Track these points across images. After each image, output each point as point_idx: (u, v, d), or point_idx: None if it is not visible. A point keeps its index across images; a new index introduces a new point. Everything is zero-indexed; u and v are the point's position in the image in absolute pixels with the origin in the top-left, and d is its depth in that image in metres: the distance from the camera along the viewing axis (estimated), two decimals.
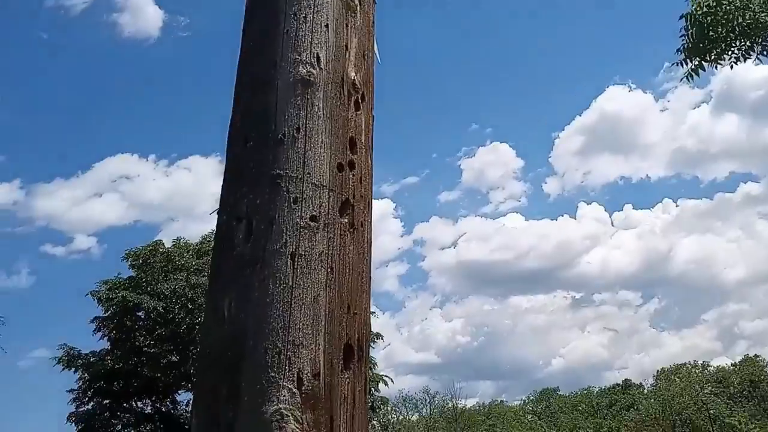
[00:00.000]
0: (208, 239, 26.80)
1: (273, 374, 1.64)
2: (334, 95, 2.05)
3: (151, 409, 24.51)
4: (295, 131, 1.93)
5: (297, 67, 2.01)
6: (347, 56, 2.12)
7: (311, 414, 1.64)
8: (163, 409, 24.72)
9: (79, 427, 23.40)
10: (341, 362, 1.76)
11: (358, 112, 2.11)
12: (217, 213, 1.97)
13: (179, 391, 24.15)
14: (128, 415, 23.89)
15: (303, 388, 1.66)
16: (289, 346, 1.67)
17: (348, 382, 1.76)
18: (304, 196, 1.86)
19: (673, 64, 8.50)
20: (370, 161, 2.10)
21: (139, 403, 24.42)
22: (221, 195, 2.00)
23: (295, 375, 1.65)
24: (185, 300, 22.93)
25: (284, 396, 1.63)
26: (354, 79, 2.11)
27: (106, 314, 24.11)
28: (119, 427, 23.45)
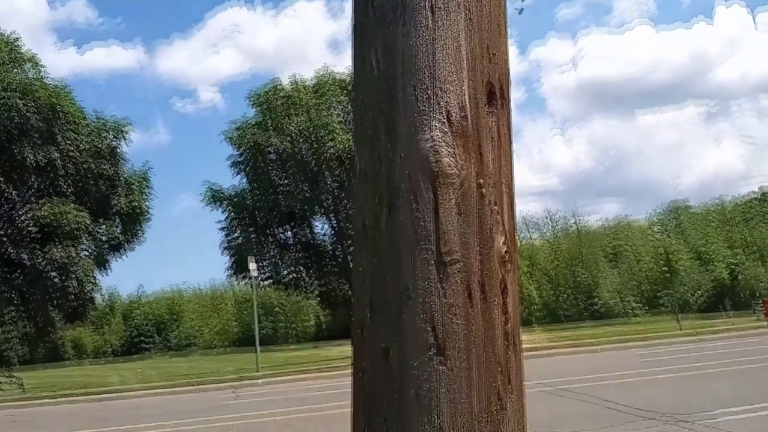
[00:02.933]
0: (323, 76, 27.14)
1: (424, 108, 1.80)
2: None
3: (292, 237, 26.88)
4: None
5: None
6: None
7: (461, 145, 1.80)
8: (302, 236, 26.99)
9: (233, 256, 26.27)
10: (486, 102, 1.88)
11: None
12: None
13: (314, 218, 26.05)
14: (272, 242, 26.35)
15: (452, 122, 1.81)
16: (436, 86, 1.81)
17: (494, 120, 1.89)
18: None
19: None
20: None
21: (280, 232, 26.79)
22: None
23: (444, 111, 1.80)
24: (309, 136, 23.92)
25: (436, 128, 1.80)
26: None
27: (240, 155, 25.85)
28: (267, 253, 26.03)
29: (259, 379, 21.64)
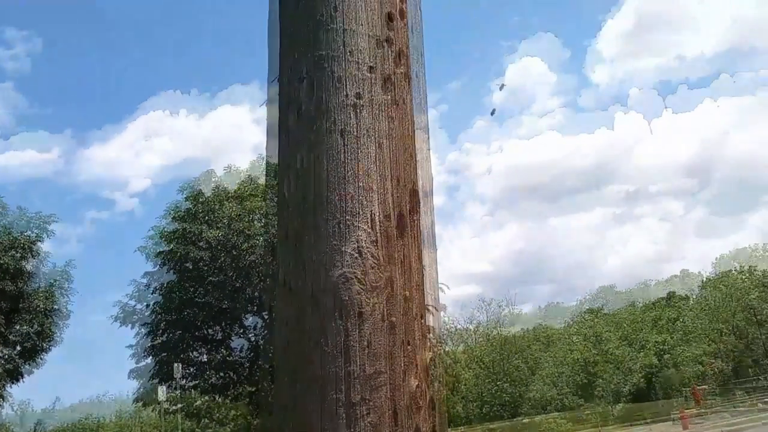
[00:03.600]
0: (256, 163, 27.33)
1: (348, 217, 1.80)
2: None
3: (222, 335, 25.85)
4: (332, 10, 1.96)
5: None
6: None
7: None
8: (233, 334, 26.05)
9: (157, 359, 24.90)
10: (408, 206, 1.90)
11: None
12: (278, 79, 2.05)
13: (246, 316, 25.20)
14: (201, 342, 25.26)
15: (362, 252, 1.78)
16: (360, 191, 1.83)
17: (404, 248, 1.87)
18: (348, 74, 1.92)
19: None
20: (406, 37, 2.11)
21: (210, 331, 25.75)
22: (281, 58, 2.06)
23: (368, 215, 1.80)
24: (242, 227, 23.67)
25: (347, 259, 1.76)
26: None
27: (170, 248, 25.14)
28: (194, 354, 24.86)
29: None
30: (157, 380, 26.43)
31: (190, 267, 25.34)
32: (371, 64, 1.95)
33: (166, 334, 25.96)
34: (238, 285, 25.02)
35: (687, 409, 30.44)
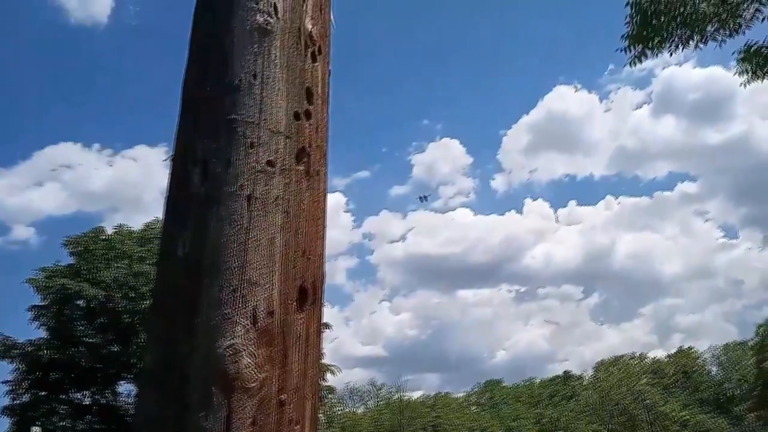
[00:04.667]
0: (151, 227, 26.14)
1: (228, 311, 1.65)
2: (291, 45, 2.06)
3: (90, 401, 23.85)
4: (252, 77, 1.94)
5: (254, 15, 2.01)
6: (304, 8, 2.13)
7: (265, 349, 1.66)
8: (103, 401, 24.06)
9: (14, 420, 22.60)
10: (296, 303, 1.78)
11: (315, 64, 2.13)
12: (172, 157, 1.96)
13: (120, 382, 23.44)
14: (66, 406, 23.17)
15: (258, 324, 1.67)
16: (244, 285, 1.69)
17: (302, 322, 1.79)
18: (261, 141, 1.87)
19: (617, 50, 8.86)
20: (326, 113, 2.12)
21: (77, 395, 23.73)
22: (176, 138, 1.99)
23: (250, 312, 1.67)
24: (127, 288, 22.33)
25: (239, 332, 1.64)
26: (311, 31, 2.13)
27: (45, 302, 23.32)
28: (56, 419, 22.72)
29: None
30: None
31: (82, 305, 23.52)
32: (287, 134, 1.94)
33: (28, 394, 23.71)
34: (115, 349, 23.43)
35: None
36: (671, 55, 8.90)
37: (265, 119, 1.91)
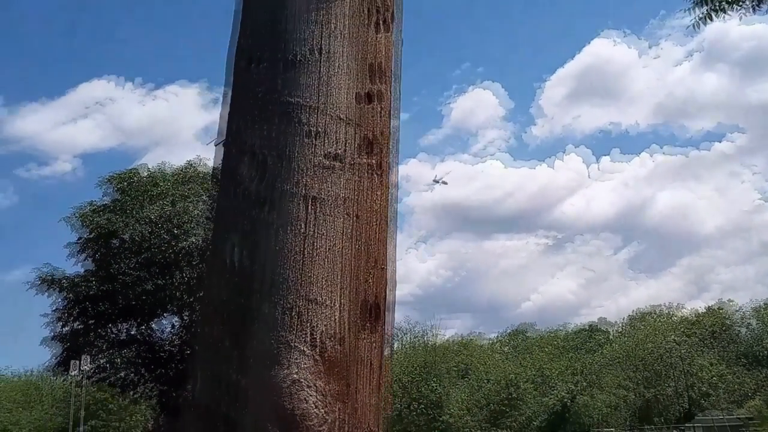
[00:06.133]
0: (193, 164, 26.30)
1: (284, 334, 1.43)
2: (357, 13, 1.76)
3: (135, 332, 24.60)
4: (311, 52, 1.65)
5: None
6: None
7: (334, 384, 1.43)
8: (146, 333, 24.79)
9: (65, 346, 23.49)
10: (367, 322, 1.55)
11: (381, 34, 1.82)
12: (223, 144, 1.71)
13: (163, 315, 24.09)
14: (111, 337, 23.97)
15: (323, 352, 1.44)
16: (303, 303, 1.45)
17: (373, 346, 1.55)
18: (323, 129, 1.60)
19: (680, 10, 8.16)
20: (397, 93, 1.83)
21: (122, 326, 24.48)
22: (227, 124, 1.73)
23: (310, 336, 1.44)
24: (170, 225, 22.66)
25: (299, 360, 1.42)
26: None
27: (90, 236, 23.85)
28: (102, 348, 23.53)
29: None
30: (61, 370, 25.02)
31: (122, 243, 24.02)
32: (353, 121, 1.66)
33: (73, 325, 24.57)
34: (159, 282, 23.94)
35: None
36: (741, 19, 8.15)
37: (327, 103, 1.63)
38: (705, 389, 59.08)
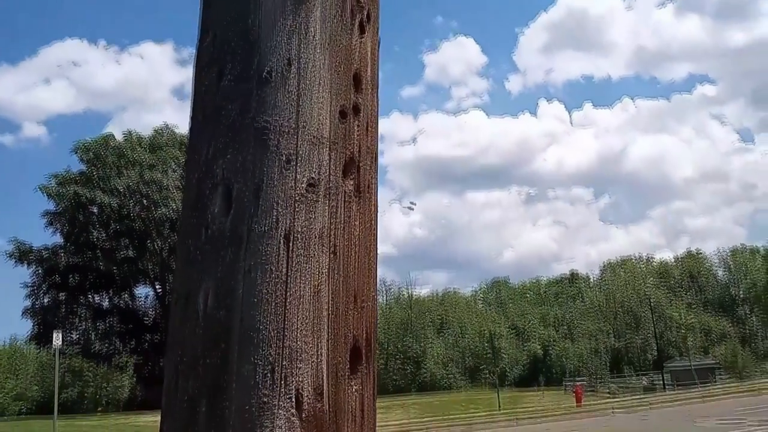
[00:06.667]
0: (161, 132, 25.59)
1: (265, 393, 1.29)
2: (335, 15, 1.56)
3: (108, 304, 24.38)
4: (285, 65, 1.47)
5: None
6: None
7: None
8: (121, 304, 24.56)
9: (36, 320, 23.20)
10: (348, 368, 1.41)
11: (363, 37, 1.64)
12: (184, 171, 1.53)
13: (137, 285, 23.82)
14: (85, 309, 23.69)
15: (303, 409, 1.31)
16: (285, 357, 1.31)
17: (357, 393, 1.42)
18: (300, 154, 1.43)
19: None
20: (376, 103, 1.66)
21: (96, 297, 24.20)
22: (189, 145, 1.55)
23: (293, 394, 1.30)
24: (140, 196, 22.17)
25: (281, 422, 1.28)
26: None
27: (58, 209, 23.29)
28: (76, 320, 23.30)
29: None
30: (34, 343, 24.79)
31: (96, 214, 23.70)
32: (332, 141, 1.49)
33: (47, 297, 24.25)
34: (130, 254, 23.63)
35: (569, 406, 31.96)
36: None
37: (304, 124, 1.45)
38: (674, 338, 60.98)
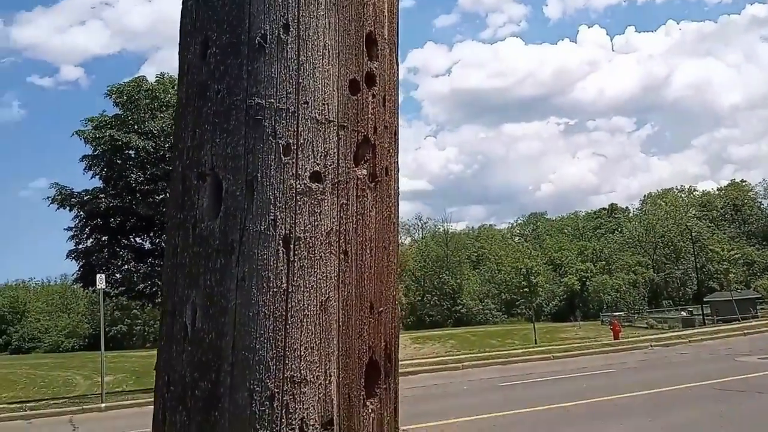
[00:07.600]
0: None
1: (264, 427, 1.10)
2: None
3: (150, 245, 24.84)
4: (281, 30, 1.22)
5: None
6: None
7: None
8: (162, 244, 25.03)
9: (80, 263, 23.85)
10: (363, 390, 1.21)
11: None
12: (170, 160, 1.32)
13: None
14: (127, 250, 24.23)
15: None
16: (286, 385, 1.12)
17: (373, 416, 1.23)
18: (302, 140, 1.20)
19: None
20: (395, 68, 1.40)
21: (137, 239, 24.68)
22: (174, 133, 1.33)
23: (297, 426, 1.11)
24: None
25: None
26: None
27: (96, 153, 23.54)
28: (119, 262, 23.88)
29: (102, 403, 19.62)
30: (80, 284, 25.58)
31: (132, 156, 23.95)
32: (341, 122, 1.25)
33: (91, 239, 24.83)
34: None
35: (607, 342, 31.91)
36: None
37: (306, 101, 1.21)
38: (715, 271, 59.85)
